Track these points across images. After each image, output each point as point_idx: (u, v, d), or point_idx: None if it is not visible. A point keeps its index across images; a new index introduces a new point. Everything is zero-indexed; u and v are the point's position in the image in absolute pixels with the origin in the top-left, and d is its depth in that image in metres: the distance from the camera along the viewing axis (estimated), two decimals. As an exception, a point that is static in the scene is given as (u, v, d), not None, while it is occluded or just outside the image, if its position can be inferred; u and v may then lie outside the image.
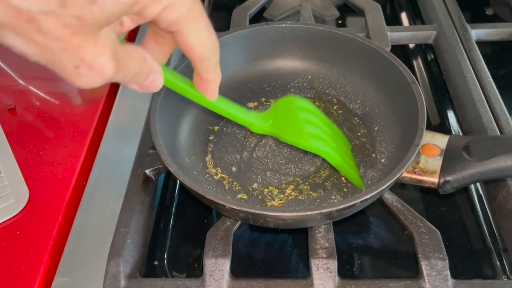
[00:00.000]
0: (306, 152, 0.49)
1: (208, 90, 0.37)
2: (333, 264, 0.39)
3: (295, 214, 0.37)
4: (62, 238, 0.45)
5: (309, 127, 0.46)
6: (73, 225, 0.45)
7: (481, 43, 0.61)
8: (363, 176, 0.47)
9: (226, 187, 0.47)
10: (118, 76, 0.28)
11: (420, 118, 0.43)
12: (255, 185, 0.47)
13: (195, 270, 0.44)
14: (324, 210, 0.37)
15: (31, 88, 0.59)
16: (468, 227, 0.47)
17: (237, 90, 0.54)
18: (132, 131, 0.53)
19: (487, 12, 0.74)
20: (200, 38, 0.32)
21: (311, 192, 0.46)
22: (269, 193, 0.46)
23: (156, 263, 0.45)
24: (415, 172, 0.42)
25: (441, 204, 0.48)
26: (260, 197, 0.46)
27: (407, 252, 0.44)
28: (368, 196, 0.37)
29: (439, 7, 0.66)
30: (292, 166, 0.48)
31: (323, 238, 0.41)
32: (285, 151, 0.50)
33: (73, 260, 0.43)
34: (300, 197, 0.46)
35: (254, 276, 0.40)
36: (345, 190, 0.46)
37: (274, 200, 0.45)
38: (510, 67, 0.65)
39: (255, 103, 0.55)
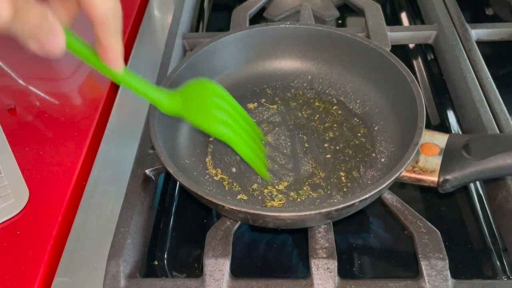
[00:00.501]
0: (305, 152, 0.49)
1: (109, 58, 0.35)
2: (333, 264, 0.39)
3: (294, 214, 0.37)
4: (62, 238, 0.45)
5: (218, 113, 0.44)
6: (73, 225, 0.45)
7: (481, 43, 0.61)
8: (363, 175, 0.47)
9: (226, 188, 0.47)
10: (16, 25, 0.28)
11: (419, 117, 0.43)
12: (255, 186, 0.47)
13: (195, 270, 0.44)
14: (323, 210, 0.37)
15: (31, 88, 0.59)
16: (468, 227, 0.47)
17: (237, 91, 0.54)
18: (132, 131, 0.53)
19: (487, 12, 0.74)
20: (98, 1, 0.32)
21: (311, 192, 0.46)
22: (269, 194, 0.46)
23: (156, 263, 0.45)
24: (414, 171, 0.42)
25: (441, 204, 0.48)
26: (260, 197, 0.46)
27: (407, 252, 0.44)
28: (367, 196, 0.37)
29: (439, 7, 0.66)
30: (292, 166, 0.48)
31: (323, 238, 0.41)
32: (285, 151, 0.50)
33: (73, 260, 0.43)
34: (299, 197, 0.46)
35: (254, 276, 0.40)
36: (345, 190, 0.46)
37: (274, 201, 0.45)
38: (510, 67, 0.65)
39: (255, 104, 0.55)
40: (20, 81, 0.60)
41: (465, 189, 0.49)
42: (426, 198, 0.49)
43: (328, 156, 0.49)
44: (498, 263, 0.44)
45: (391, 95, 0.50)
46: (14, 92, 0.59)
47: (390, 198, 0.44)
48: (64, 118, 0.55)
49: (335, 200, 0.45)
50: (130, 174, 0.47)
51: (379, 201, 0.44)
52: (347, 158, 0.48)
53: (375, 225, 0.47)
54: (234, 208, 0.37)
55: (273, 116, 0.54)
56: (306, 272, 0.42)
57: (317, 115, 0.53)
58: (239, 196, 0.46)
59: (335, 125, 0.52)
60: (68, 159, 0.50)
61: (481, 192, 0.49)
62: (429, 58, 0.67)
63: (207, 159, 0.49)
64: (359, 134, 0.51)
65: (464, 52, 0.59)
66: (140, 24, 0.70)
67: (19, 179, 0.48)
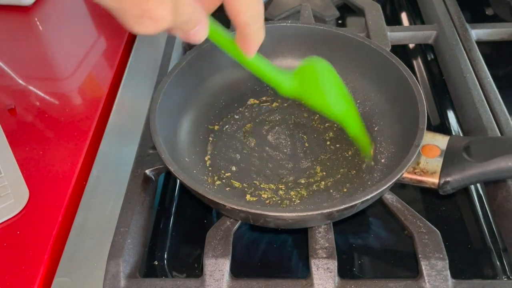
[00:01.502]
0: (306, 152, 0.49)
1: (249, 50, 0.39)
2: (333, 264, 0.39)
3: (295, 214, 0.37)
4: (62, 238, 0.45)
5: (331, 94, 0.45)
6: (73, 225, 0.45)
7: (481, 43, 0.61)
8: (363, 176, 0.47)
9: (226, 187, 0.47)
10: (172, 25, 0.31)
11: (420, 119, 0.43)
12: (255, 184, 0.47)
13: (195, 270, 0.44)
14: (325, 211, 0.37)
15: (31, 88, 0.59)
16: (468, 227, 0.47)
17: (238, 89, 0.54)
18: (132, 131, 0.53)
19: (487, 12, 0.74)
20: (247, 4, 0.34)
21: (311, 192, 0.46)
22: (270, 191, 0.46)
23: (156, 263, 0.45)
24: (415, 173, 0.42)
25: (441, 204, 0.48)
26: (260, 195, 0.46)
27: (407, 252, 0.44)
28: (368, 197, 0.37)
29: (439, 7, 0.66)
30: (292, 166, 0.48)
31: (323, 238, 0.41)
32: (288, 150, 0.50)
33: (73, 260, 0.43)
34: (300, 196, 0.46)
35: (254, 276, 0.40)
36: (345, 190, 0.46)
37: (275, 199, 0.45)
38: (510, 67, 0.65)
39: (256, 102, 0.55)
40: (20, 81, 0.60)
41: (465, 189, 0.49)
42: (426, 198, 0.49)
43: (328, 156, 0.49)
44: (498, 263, 0.44)
45: (391, 95, 0.50)
46: (14, 92, 0.59)
47: (390, 198, 0.44)
48: (64, 118, 0.55)
49: (335, 200, 0.45)
50: (130, 174, 0.47)
51: (379, 201, 0.44)
52: (347, 158, 0.48)
53: (375, 225, 0.47)
54: (235, 207, 0.37)
55: (273, 115, 0.54)
56: (306, 272, 0.42)
57: (317, 115, 0.53)
58: (238, 194, 0.46)
59: (335, 125, 0.52)
60: (68, 159, 0.50)
61: (481, 192, 0.49)
62: (429, 58, 0.67)
63: (206, 158, 0.49)
64: None
65: (464, 52, 0.59)
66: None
67: (19, 179, 0.48)
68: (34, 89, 0.59)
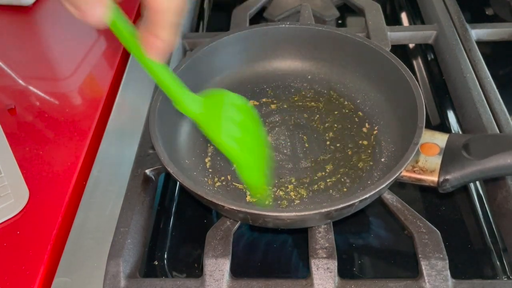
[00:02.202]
0: (305, 152, 0.49)
1: (151, 46, 0.33)
2: (333, 264, 0.39)
3: (294, 214, 0.37)
4: (62, 238, 0.45)
5: (230, 128, 0.42)
6: (73, 225, 0.45)
7: (481, 43, 0.61)
8: (363, 175, 0.47)
9: (227, 188, 0.47)
10: None
11: (419, 117, 0.43)
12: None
13: (195, 270, 0.44)
14: (323, 210, 0.37)
15: (31, 88, 0.59)
16: (468, 227, 0.47)
17: (237, 91, 0.54)
18: (132, 131, 0.53)
19: (487, 12, 0.74)
20: None
21: (310, 192, 0.46)
22: (270, 192, 0.46)
23: (156, 263, 0.45)
24: (414, 171, 0.42)
25: (441, 204, 0.48)
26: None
27: (407, 252, 0.44)
28: (367, 195, 0.37)
29: (439, 7, 0.66)
30: (292, 166, 0.48)
31: (323, 238, 0.41)
32: (288, 151, 0.50)
33: (73, 260, 0.43)
34: (299, 197, 0.46)
35: (254, 276, 0.40)
36: (344, 190, 0.46)
37: (274, 199, 0.45)
38: (510, 67, 0.65)
39: (255, 103, 0.55)
40: (20, 81, 0.60)
41: (465, 189, 0.49)
42: (426, 198, 0.49)
43: (328, 156, 0.49)
44: (498, 263, 0.44)
45: (391, 95, 0.50)
46: (14, 92, 0.59)
47: (390, 198, 0.44)
48: (64, 118, 0.55)
49: (335, 200, 0.45)
50: (130, 174, 0.47)
51: (379, 201, 0.44)
52: (347, 158, 0.48)
53: (375, 225, 0.47)
54: (234, 208, 0.37)
55: (273, 116, 0.54)
56: (306, 272, 0.42)
57: (317, 115, 0.53)
58: (238, 195, 0.46)
59: (335, 125, 0.52)
60: (68, 159, 0.50)
61: (481, 192, 0.49)
62: (429, 58, 0.67)
63: (206, 159, 0.49)
64: (359, 134, 0.51)
65: (464, 52, 0.59)
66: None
67: (19, 179, 0.48)
68: (34, 89, 0.59)
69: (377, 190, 0.38)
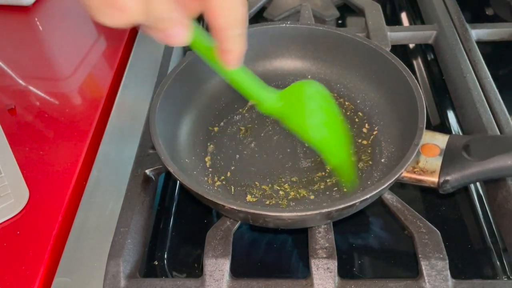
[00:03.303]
0: (305, 152, 0.49)
1: (228, 60, 0.36)
2: (333, 264, 0.39)
3: (295, 214, 0.37)
4: (62, 238, 0.45)
5: (314, 119, 0.43)
6: (73, 225, 0.45)
7: (481, 43, 0.61)
8: (363, 176, 0.47)
9: (227, 187, 0.47)
10: (144, 18, 0.29)
11: (419, 118, 0.43)
12: (256, 184, 0.47)
13: (195, 270, 0.44)
14: (324, 210, 0.37)
15: (31, 88, 0.59)
16: (468, 227, 0.47)
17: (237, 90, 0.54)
18: (132, 131, 0.53)
19: (487, 12, 0.74)
20: (228, 7, 0.32)
21: (310, 192, 0.46)
22: (270, 192, 0.46)
23: (156, 263, 0.45)
24: (415, 172, 0.42)
25: (441, 204, 0.48)
26: (260, 196, 0.46)
27: (407, 252, 0.44)
28: (367, 196, 0.37)
29: (439, 7, 0.66)
30: (292, 166, 0.48)
31: (323, 238, 0.41)
32: (288, 151, 0.50)
33: (73, 260, 0.43)
34: (299, 196, 0.46)
35: (254, 276, 0.40)
36: (345, 190, 0.46)
37: (274, 200, 0.45)
38: (510, 67, 0.65)
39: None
40: (20, 81, 0.60)
41: (465, 189, 0.49)
42: (426, 198, 0.49)
43: None
44: (498, 263, 0.44)
45: (391, 95, 0.50)
46: (14, 92, 0.59)
47: (390, 198, 0.44)
48: (64, 118, 0.55)
49: (335, 200, 0.45)
50: (130, 174, 0.47)
51: (379, 201, 0.44)
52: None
53: (375, 225, 0.47)
54: (235, 207, 0.37)
55: (273, 116, 0.53)
56: (306, 272, 0.42)
57: None
58: (238, 195, 0.46)
59: None
60: (68, 159, 0.50)
61: (481, 192, 0.49)
62: (429, 58, 0.67)
63: (206, 159, 0.49)
64: (359, 134, 0.51)
65: (464, 52, 0.59)
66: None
67: (19, 179, 0.48)
68: (34, 89, 0.59)
69: (378, 190, 0.38)
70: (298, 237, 0.46)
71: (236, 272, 0.40)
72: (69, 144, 0.52)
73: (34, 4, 0.72)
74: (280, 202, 0.45)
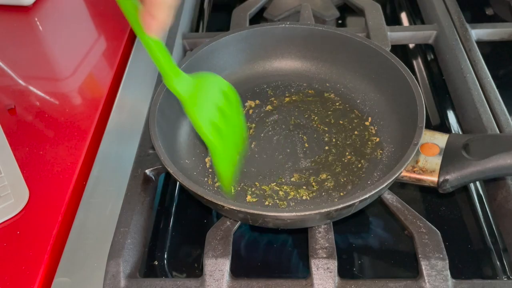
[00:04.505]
0: (306, 152, 0.49)
1: (148, 24, 0.36)
2: (333, 264, 0.39)
3: (294, 214, 0.37)
4: (62, 238, 0.45)
5: (211, 112, 0.43)
6: (73, 225, 0.45)
7: (481, 43, 0.61)
8: (363, 175, 0.47)
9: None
10: None
11: (419, 117, 0.43)
12: (256, 184, 0.47)
13: (195, 270, 0.44)
14: (323, 210, 0.37)
15: (31, 88, 0.59)
16: (468, 227, 0.47)
17: (237, 90, 0.54)
18: (132, 131, 0.53)
19: (487, 12, 0.74)
20: None
21: (310, 192, 0.46)
22: (270, 192, 0.46)
23: (156, 263, 0.45)
24: (414, 171, 0.42)
25: (441, 204, 0.48)
26: (260, 196, 0.46)
27: (407, 252, 0.44)
28: (367, 196, 0.37)
29: (439, 7, 0.66)
30: (292, 165, 0.48)
31: (323, 238, 0.41)
32: (288, 151, 0.50)
33: (73, 260, 0.43)
34: (299, 197, 0.46)
35: (254, 276, 0.40)
36: (344, 190, 0.46)
37: (274, 199, 0.45)
38: (510, 67, 0.65)
39: (256, 103, 0.55)
40: (20, 81, 0.60)
41: (465, 189, 0.49)
42: (426, 198, 0.49)
43: (328, 156, 0.49)
44: (498, 263, 0.44)
45: (391, 95, 0.50)
46: (14, 92, 0.59)
47: (390, 198, 0.44)
48: (64, 118, 0.55)
49: (335, 200, 0.45)
50: (130, 174, 0.47)
51: (379, 201, 0.44)
52: (346, 158, 0.48)
53: (375, 225, 0.47)
54: (234, 208, 0.37)
55: (273, 116, 0.54)
56: (306, 272, 0.42)
57: (317, 115, 0.53)
58: (239, 195, 0.46)
59: (335, 125, 0.52)
60: (68, 159, 0.50)
61: (481, 192, 0.49)
62: (429, 58, 0.67)
63: (207, 159, 0.49)
64: (359, 134, 0.51)
65: (464, 52, 0.59)
66: (140, 24, 0.70)
67: (19, 179, 0.48)
68: (34, 89, 0.59)
69: (377, 190, 0.38)
70: (298, 237, 0.46)
71: (236, 272, 0.40)
72: (69, 144, 0.52)
73: (34, 4, 0.72)
74: (279, 202, 0.45)
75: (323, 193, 0.46)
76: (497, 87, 0.54)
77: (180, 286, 0.39)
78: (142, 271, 0.43)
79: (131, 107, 0.57)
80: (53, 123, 0.54)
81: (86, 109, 0.56)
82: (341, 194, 0.46)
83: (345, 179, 0.47)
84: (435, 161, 0.42)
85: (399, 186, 0.48)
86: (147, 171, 0.47)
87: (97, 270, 0.41)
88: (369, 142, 0.50)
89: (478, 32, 0.63)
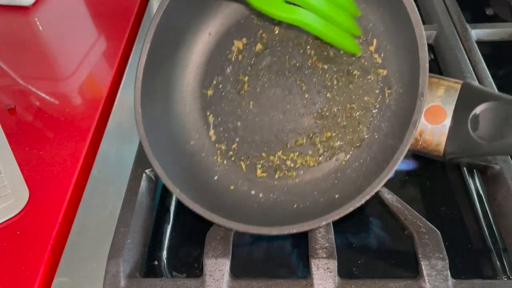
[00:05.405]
0: (306, 105, 0.46)
1: None
2: (333, 264, 0.39)
3: (287, 232, 0.37)
4: (62, 238, 0.45)
5: None
6: (73, 225, 0.45)
7: (481, 43, 0.61)
8: (367, 134, 0.43)
9: (237, 164, 0.46)
10: None
11: (420, 83, 0.38)
12: (263, 156, 0.46)
13: (195, 270, 0.44)
14: (315, 226, 0.37)
15: (31, 88, 0.59)
16: (468, 227, 0.47)
17: (220, 27, 0.50)
18: (132, 131, 0.53)
19: (487, 12, 0.74)
20: None
21: (317, 155, 0.44)
22: (278, 162, 0.45)
23: (156, 263, 0.45)
24: (418, 146, 0.41)
25: (441, 204, 0.48)
26: (269, 168, 0.45)
27: (407, 252, 0.44)
28: (367, 197, 0.37)
29: (439, 7, 0.66)
30: (294, 126, 0.46)
31: (323, 238, 0.41)
32: (288, 107, 0.46)
33: (73, 260, 0.43)
34: (306, 164, 0.45)
35: (254, 276, 0.40)
36: (355, 147, 0.43)
37: (283, 170, 0.45)
38: (510, 67, 0.65)
39: (244, 40, 0.49)
40: (20, 81, 0.60)
41: (465, 189, 0.49)
42: (426, 198, 0.49)
43: (332, 106, 0.45)
44: (498, 263, 0.44)
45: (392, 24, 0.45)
46: (14, 92, 0.59)
47: (390, 198, 0.44)
48: (64, 118, 0.55)
49: (343, 163, 0.44)
50: (130, 174, 0.47)
51: (379, 201, 0.44)
52: (351, 106, 0.44)
53: (375, 225, 0.47)
54: (227, 225, 0.38)
55: (265, 59, 0.48)
56: (306, 272, 0.42)
57: (314, 48, 0.47)
58: (251, 172, 0.45)
59: (335, 60, 0.46)
60: (68, 159, 0.50)
61: (481, 192, 0.49)
62: (429, 58, 0.67)
63: (210, 133, 0.48)
64: (363, 69, 0.45)
65: (464, 52, 0.59)
66: (140, 24, 0.70)
67: (19, 179, 0.48)
68: (34, 89, 0.59)
69: (374, 192, 0.37)
70: (298, 237, 0.46)
71: (236, 272, 0.40)
72: (69, 144, 0.52)
73: (34, 4, 0.72)
74: (288, 173, 0.45)
75: (330, 157, 0.44)
76: (497, 87, 0.54)
77: (180, 286, 0.39)
78: (142, 271, 0.43)
79: (131, 107, 0.57)
80: (53, 123, 0.54)
81: (86, 109, 0.56)
82: (349, 154, 0.43)
83: (351, 136, 0.44)
84: (442, 131, 0.38)
85: (399, 186, 0.48)
86: (147, 171, 0.47)
87: (97, 270, 0.41)
88: (376, 77, 0.44)
89: (478, 32, 0.63)
